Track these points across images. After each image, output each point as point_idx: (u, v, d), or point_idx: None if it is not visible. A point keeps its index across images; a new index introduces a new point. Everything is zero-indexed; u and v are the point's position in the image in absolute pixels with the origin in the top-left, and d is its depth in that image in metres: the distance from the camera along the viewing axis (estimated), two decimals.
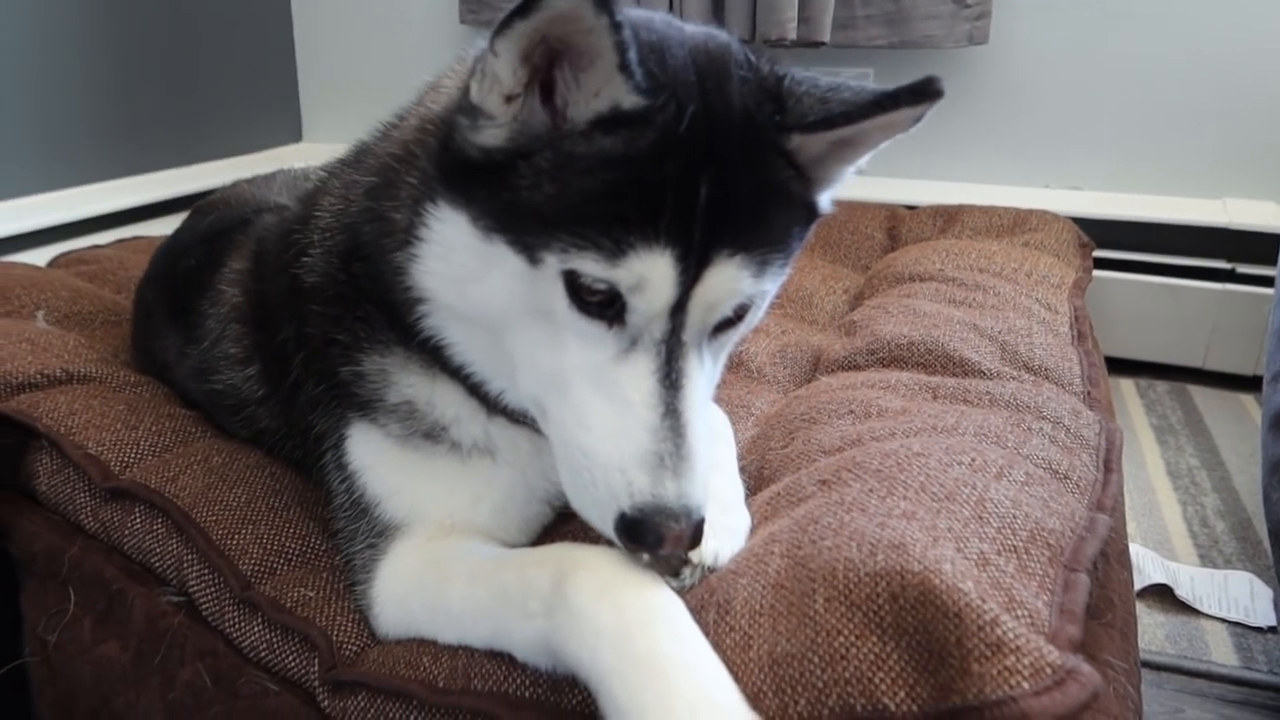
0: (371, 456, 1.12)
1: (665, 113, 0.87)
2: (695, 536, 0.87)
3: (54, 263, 2.24)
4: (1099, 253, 2.54)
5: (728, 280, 0.90)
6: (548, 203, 0.88)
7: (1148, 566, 1.78)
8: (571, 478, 0.92)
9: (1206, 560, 1.86)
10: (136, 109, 2.87)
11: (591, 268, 0.86)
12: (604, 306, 0.89)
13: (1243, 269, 2.60)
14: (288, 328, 1.19)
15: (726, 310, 0.93)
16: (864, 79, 2.88)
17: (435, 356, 1.07)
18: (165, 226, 2.75)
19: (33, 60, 2.53)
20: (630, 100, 0.86)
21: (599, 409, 0.89)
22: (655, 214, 0.85)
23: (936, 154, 2.91)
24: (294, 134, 3.54)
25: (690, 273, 0.88)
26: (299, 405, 1.21)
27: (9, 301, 1.76)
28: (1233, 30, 2.60)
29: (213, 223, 1.56)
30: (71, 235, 2.54)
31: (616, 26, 0.81)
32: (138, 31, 2.82)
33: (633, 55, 0.83)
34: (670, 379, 0.89)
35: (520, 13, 0.81)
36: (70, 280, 1.97)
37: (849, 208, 2.64)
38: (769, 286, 0.96)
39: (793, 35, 2.63)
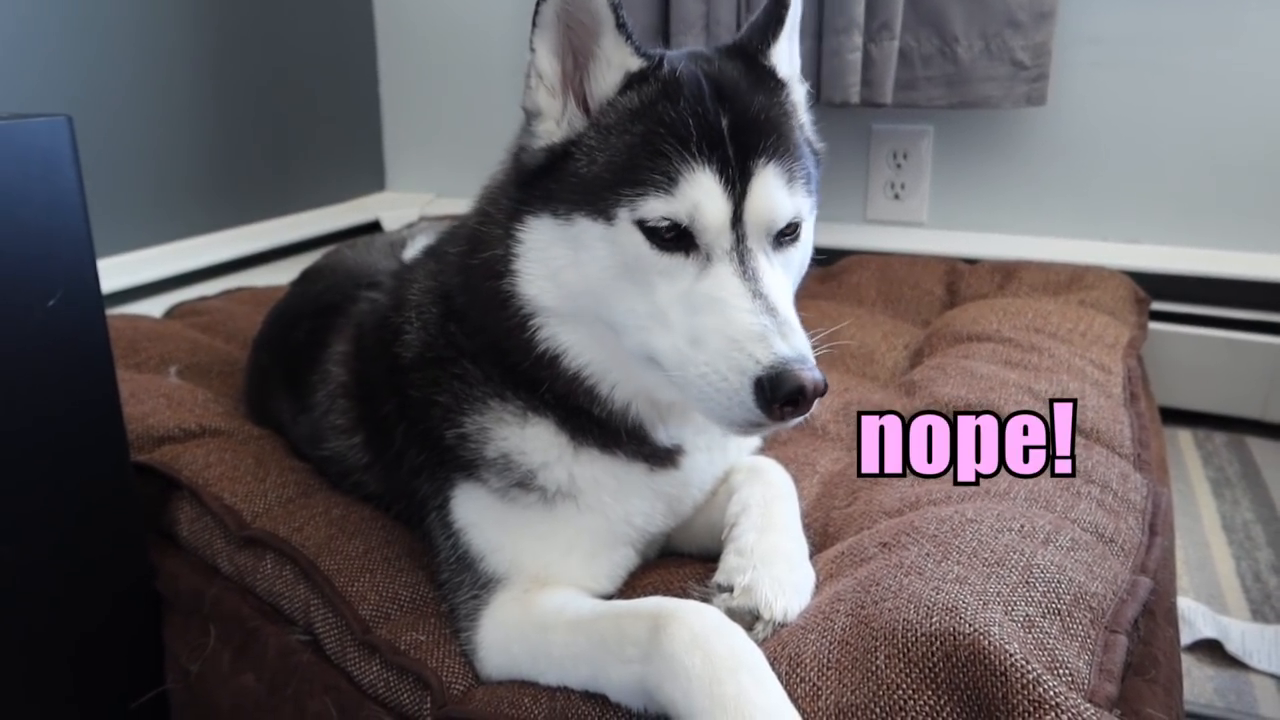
0: (475, 515, 1.25)
1: (663, 69, 1.12)
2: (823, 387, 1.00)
3: (170, 313, 2.44)
4: (1157, 305, 2.60)
5: (770, 187, 1.08)
6: (604, 169, 1.10)
7: (1198, 621, 1.83)
8: (698, 393, 1.05)
9: (1258, 615, 1.91)
10: (236, 166, 3.07)
11: (654, 205, 1.06)
12: (677, 239, 1.07)
13: None
14: (389, 402, 1.34)
15: (777, 218, 1.09)
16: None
17: (535, 381, 1.20)
18: (264, 276, 2.96)
19: (145, 125, 2.75)
20: (634, 62, 1.11)
21: (700, 321, 1.05)
22: (686, 139, 1.06)
23: (996, 207, 2.98)
24: (378, 184, 3.74)
25: (736, 188, 1.06)
26: (402, 473, 1.34)
27: (138, 354, 1.95)
28: None
29: (320, 295, 1.71)
30: (181, 286, 2.73)
31: None
32: (238, 93, 3.03)
33: (626, 18, 1.09)
34: (749, 276, 1.06)
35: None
36: (188, 332, 2.16)
37: (910, 261, 2.73)
38: (802, 200, 1.12)
39: (856, 99, 2.73)
